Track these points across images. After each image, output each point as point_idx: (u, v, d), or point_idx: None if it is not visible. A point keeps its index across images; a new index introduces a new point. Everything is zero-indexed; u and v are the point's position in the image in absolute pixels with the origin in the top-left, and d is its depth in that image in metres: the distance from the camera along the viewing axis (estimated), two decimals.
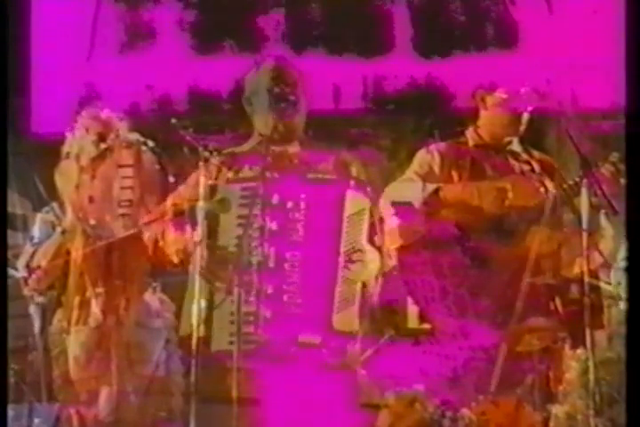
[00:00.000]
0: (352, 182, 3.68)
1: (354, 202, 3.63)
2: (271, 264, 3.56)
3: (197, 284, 3.38)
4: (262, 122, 3.81)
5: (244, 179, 3.69)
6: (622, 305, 4.33)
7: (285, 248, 3.59)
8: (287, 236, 3.59)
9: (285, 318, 3.54)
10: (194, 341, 3.34)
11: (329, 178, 3.72)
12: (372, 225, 3.70)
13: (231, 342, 3.39)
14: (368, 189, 3.69)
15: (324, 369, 3.57)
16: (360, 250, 3.62)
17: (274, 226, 3.58)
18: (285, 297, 3.55)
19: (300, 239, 3.60)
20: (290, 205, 3.61)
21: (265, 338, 3.50)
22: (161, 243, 3.77)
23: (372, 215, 3.69)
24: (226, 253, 3.53)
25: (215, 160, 3.57)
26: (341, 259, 3.60)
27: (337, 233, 3.61)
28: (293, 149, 3.85)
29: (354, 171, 3.85)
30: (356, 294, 3.61)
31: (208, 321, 3.42)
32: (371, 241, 3.69)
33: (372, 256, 3.68)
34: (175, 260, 3.70)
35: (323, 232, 3.61)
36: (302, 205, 3.61)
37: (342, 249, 3.60)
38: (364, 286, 3.67)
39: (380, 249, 3.73)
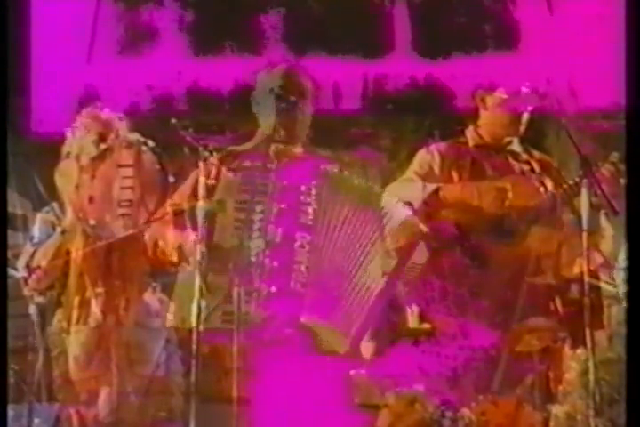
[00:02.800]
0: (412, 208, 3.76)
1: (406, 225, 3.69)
2: (277, 240, 3.57)
3: (197, 283, 3.38)
4: (266, 123, 3.83)
5: (245, 168, 3.69)
6: (622, 305, 4.33)
7: (295, 229, 3.59)
8: (297, 218, 3.60)
9: (289, 295, 3.53)
10: (194, 338, 3.34)
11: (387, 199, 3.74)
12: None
13: (224, 321, 3.38)
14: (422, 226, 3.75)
15: (317, 354, 3.57)
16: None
17: (284, 207, 3.59)
18: (292, 274, 3.55)
19: (309, 222, 3.60)
20: (303, 188, 3.62)
21: (264, 315, 3.48)
22: (161, 242, 3.77)
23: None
24: (224, 244, 3.53)
25: (214, 158, 3.57)
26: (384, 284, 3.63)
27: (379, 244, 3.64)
28: (297, 149, 3.86)
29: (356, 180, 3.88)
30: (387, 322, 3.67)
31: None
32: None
33: None
34: (175, 258, 3.70)
35: (358, 238, 3.62)
36: (313, 191, 3.62)
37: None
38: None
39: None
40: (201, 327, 3.32)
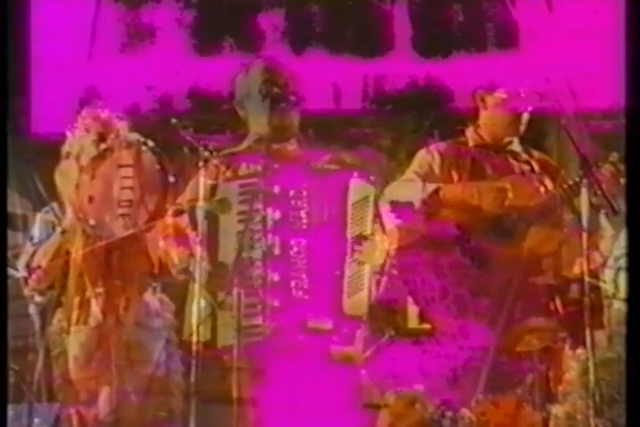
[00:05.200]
0: (355, 173, 3.70)
1: (358, 190, 3.66)
2: (276, 252, 3.58)
3: (197, 285, 3.39)
4: (258, 123, 3.83)
5: (242, 176, 3.70)
6: (621, 305, 4.33)
7: (290, 236, 3.60)
8: (291, 224, 3.61)
9: (294, 304, 3.54)
10: (194, 341, 3.35)
11: (332, 168, 3.75)
12: (377, 211, 3.73)
13: (235, 337, 3.40)
14: (371, 177, 3.71)
15: (329, 362, 3.57)
16: (366, 235, 3.64)
17: (277, 215, 3.60)
18: (293, 283, 3.56)
19: (304, 227, 3.61)
20: (292, 193, 3.63)
21: (273, 327, 3.50)
22: (161, 243, 3.77)
23: (376, 201, 3.71)
24: (226, 255, 3.54)
25: (215, 161, 3.58)
26: (349, 244, 3.61)
27: (342, 220, 3.63)
28: (291, 146, 3.86)
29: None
30: (365, 279, 3.63)
31: (212, 319, 3.43)
32: (377, 225, 3.73)
33: (379, 239, 3.71)
34: (176, 261, 3.71)
35: (327, 220, 3.63)
36: (305, 193, 3.63)
37: (349, 235, 3.62)
38: (373, 270, 3.69)
39: (386, 233, 3.80)
40: (217, 347, 3.39)
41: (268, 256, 3.54)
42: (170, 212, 3.71)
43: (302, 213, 3.62)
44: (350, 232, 3.63)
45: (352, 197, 3.65)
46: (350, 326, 3.63)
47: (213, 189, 3.56)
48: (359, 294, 3.62)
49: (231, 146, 3.91)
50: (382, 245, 3.74)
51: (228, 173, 3.74)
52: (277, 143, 3.78)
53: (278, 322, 3.52)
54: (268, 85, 3.80)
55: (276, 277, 3.56)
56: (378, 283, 3.93)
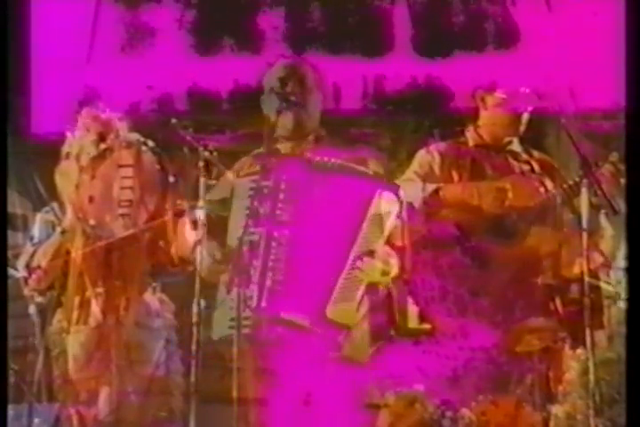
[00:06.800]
0: (386, 182, 3.67)
1: (383, 202, 3.61)
2: (261, 241, 3.57)
3: (197, 283, 3.39)
4: (275, 121, 3.82)
5: (254, 172, 3.70)
6: (621, 305, 4.33)
7: (274, 227, 3.59)
8: (278, 216, 3.59)
9: (269, 295, 3.53)
10: (194, 340, 3.35)
11: (362, 171, 3.71)
12: (395, 228, 3.66)
13: (230, 327, 3.40)
14: (401, 192, 3.67)
15: (328, 361, 3.56)
16: (375, 251, 3.60)
17: (267, 205, 3.59)
18: (270, 273, 3.55)
19: (289, 219, 3.59)
20: (283, 186, 3.62)
21: (254, 317, 3.49)
22: (161, 242, 3.77)
23: (398, 218, 3.65)
24: (230, 247, 3.55)
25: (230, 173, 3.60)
26: (353, 255, 3.58)
27: (353, 228, 3.58)
28: (308, 146, 3.85)
29: (372, 167, 3.83)
30: (358, 292, 3.60)
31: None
32: (390, 245, 3.67)
33: (389, 260, 3.65)
34: (176, 260, 3.71)
35: (333, 222, 3.59)
36: (293, 186, 3.61)
37: (357, 246, 3.58)
38: (369, 285, 3.66)
39: (400, 253, 3.70)
40: (214, 338, 3.41)
41: (254, 247, 3.53)
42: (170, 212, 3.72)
43: (288, 206, 3.59)
44: (358, 244, 3.58)
45: (373, 209, 3.59)
46: (330, 331, 3.58)
47: (217, 189, 3.58)
48: (347, 304, 3.59)
49: (236, 145, 3.92)
50: (389, 267, 3.66)
51: (242, 172, 3.75)
52: (292, 143, 3.79)
53: (256, 313, 3.50)
54: (283, 85, 3.81)
55: (258, 268, 3.54)
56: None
